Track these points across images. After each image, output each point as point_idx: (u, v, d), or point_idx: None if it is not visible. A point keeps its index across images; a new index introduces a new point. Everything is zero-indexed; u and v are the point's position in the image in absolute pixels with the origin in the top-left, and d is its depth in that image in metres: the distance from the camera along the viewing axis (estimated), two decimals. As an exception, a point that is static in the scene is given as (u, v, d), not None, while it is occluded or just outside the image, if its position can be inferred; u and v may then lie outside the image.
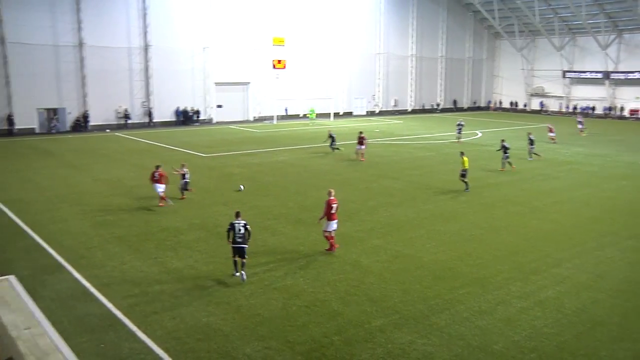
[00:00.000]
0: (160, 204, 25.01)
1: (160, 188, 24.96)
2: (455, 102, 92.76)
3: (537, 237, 21.06)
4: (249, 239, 16.62)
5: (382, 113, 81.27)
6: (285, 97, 70.71)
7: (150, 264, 17.79)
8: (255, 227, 20.67)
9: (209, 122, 64.71)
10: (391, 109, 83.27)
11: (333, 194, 18.99)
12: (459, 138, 48.13)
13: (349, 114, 78.61)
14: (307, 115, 67.49)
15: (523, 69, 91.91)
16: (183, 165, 27.45)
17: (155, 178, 25.03)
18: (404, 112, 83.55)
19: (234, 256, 16.67)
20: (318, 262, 18.04)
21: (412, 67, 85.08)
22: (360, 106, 79.61)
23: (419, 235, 21.01)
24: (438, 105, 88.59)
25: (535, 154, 39.11)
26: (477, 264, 17.99)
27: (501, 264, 18.05)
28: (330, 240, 18.73)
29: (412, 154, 41.02)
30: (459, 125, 49.51)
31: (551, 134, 48.25)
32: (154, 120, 62.44)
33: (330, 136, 41.17)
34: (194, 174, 31.37)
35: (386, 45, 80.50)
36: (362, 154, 37.29)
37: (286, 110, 71.37)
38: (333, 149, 40.57)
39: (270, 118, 68.40)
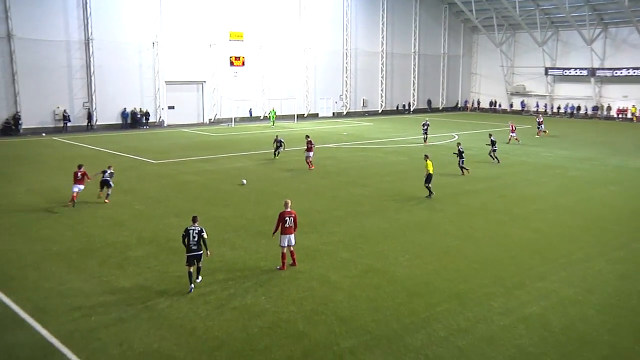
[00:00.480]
0: (69, 203, 26.72)
1: (77, 188, 26.89)
2: (429, 102, 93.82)
3: (519, 248, 21.27)
4: (205, 247, 17.03)
5: (350, 114, 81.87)
6: (244, 98, 71.25)
7: (94, 284, 17.62)
8: (213, 240, 20.51)
9: (159, 125, 64.70)
10: (360, 110, 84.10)
11: (289, 205, 19.01)
12: (425, 140, 49.28)
13: (314, 116, 79.33)
14: (268, 117, 68.11)
15: (502, 66, 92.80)
16: (110, 167, 29.03)
17: (77, 178, 26.93)
18: (374, 113, 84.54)
19: (188, 266, 16.96)
20: (281, 278, 18.08)
21: (383, 64, 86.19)
22: (326, 107, 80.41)
23: (391, 248, 21.13)
24: (409, 105, 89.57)
25: (496, 157, 39.94)
26: (455, 278, 18.13)
27: (481, 278, 18.19)
28: (282, 259, 18.77)
29: (383, 158, 41.42)
30: (424, 125, 50.58)
31: (512, 134, 49.78)
32: (98, 123, 62.17)
33: (277, 141, 41.01)
34: (141, 182, 31.98)
35: (354, 40, 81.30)
36: (310, 162, 37.35)
37: (250, 111, 71.98)
38: (276, 155, 40.75)
39: (228, 121, 68.69)
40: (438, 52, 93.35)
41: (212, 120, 69.39)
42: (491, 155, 39.59)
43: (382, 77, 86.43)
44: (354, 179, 33.80)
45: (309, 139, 38.06)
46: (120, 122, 62.76)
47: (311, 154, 37.39)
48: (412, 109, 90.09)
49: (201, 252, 17.09)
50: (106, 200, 27.92)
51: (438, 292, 17.04)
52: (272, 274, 18.46)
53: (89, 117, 61.18)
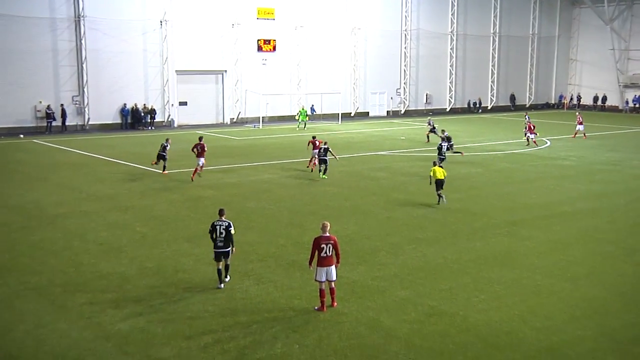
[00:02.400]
0: (192, 177, 36.74)
1: (201, 161, 37.22)
2: (513, 97, 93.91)
3: (636, 290, 20.95)
4: (232, 244, 19.81)
5: (409, 113, 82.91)
6: (274, 92, 71.99)
7: (82, 326, 17.60)
8: (234, 272, 20.91)
9: (168, 125, 66.08)
10: (423, 108, 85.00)
11: (328, 228, 19.00)
12: (428, 139, 52.14)
13: (364, 115, 79.76)
14: (296, 118, 68.93)
15: (613, 49, 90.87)
16: (167, 140, 38.07)
17: (198, 151, 36.92)
18: (440, 112, 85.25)
19: (217, 262, 19.84)
20: (320, 322, 18.09)
21: (452, 49, 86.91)
22: (379, 104, 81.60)
23: (461, 285, 21.12)
24: (479, 102, 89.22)
25: (456, 152, 43.19)
26: (546, 327, 17.95)
27: (582, 328, 17.97)
28: (321, 298, 18.82)
29: (451, 170, 41.28)
30: (431, 124, 54.61)
31: (580, 127, 53.20)
32: (90, 123, 63.10)
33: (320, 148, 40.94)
34: (145, 197, 32.67)
35: (416, 19, 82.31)
36: (314, 163, 39.59)
37: (307, 110, 70.83)
38: (322, 172, 40.57)
39: (255, 121, 69.44)
40: (525, 32, 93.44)
41: (234, 120, 70.60)
42: (441, 157, 40.78)
43: (451, 65, 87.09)
44: (414, 195, 34.15)
45: (317, 140, 40.34)
46: (118, 121, 64.01)
47: (317, 153, 39.36)
48: (489, 106, 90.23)
49: (229, 248, 19.81)
50: (164, 172, 37.94)
51: (524, 345, 16.84)
52: (308, 316, 18.48)
53: (83, 114, 62.17)
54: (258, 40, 71.05)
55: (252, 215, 29.77)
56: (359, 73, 79.18)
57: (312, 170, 39.82)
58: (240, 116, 71.27)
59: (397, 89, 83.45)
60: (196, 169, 37.43)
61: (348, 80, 78.66)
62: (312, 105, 75.17)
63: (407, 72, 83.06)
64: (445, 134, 41.98)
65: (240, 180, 38.21)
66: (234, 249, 20.12)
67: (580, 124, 54.36)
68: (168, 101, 66.76)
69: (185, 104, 68.07)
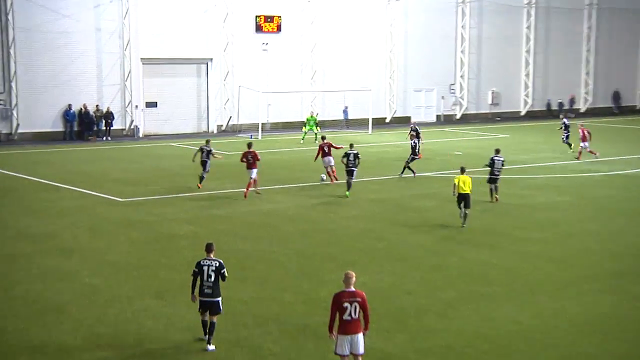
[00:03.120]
0: (246, 193, 41.07)
1: (254, 174, 41.20)
2: (617, 96, 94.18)
3: None
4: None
5: (467, 119, 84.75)
6: (278, 89, 73.34)
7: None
8: (221, 341, 20.89)
9: (131, 135, 68.29)
10: (487, 112, 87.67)
11: (353, 281, 18.77)
12: (415, 155, 51.47)
13: (404, 121, 78.12)
14: (303, 128, 68.92)
15: None
16: (208, 142, 43.65)
17: (249, 161, 41.43)
18: (512, 117, 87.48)
19: (202, 313, 20.37)
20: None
21: (529, 27, 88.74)
22: (425, 106, 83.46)
23: (545, 363, 20.59)
24: (568, 104, 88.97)
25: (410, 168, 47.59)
26: None
27: None
28: None
29: (527, 199, 42.42)
30: (565, 126, 58.67)
31: (583, 144, 55.63)
32: (21, 131, 64.44)
33: (349, 155, 43.10)
34: (96, 235, 33.22)
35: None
36: (334, 172, 43.75)
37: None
38: (347, 190, 43.71)
39: (252, 129, 70.68)
40: (636, 3, 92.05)
41: (223, 129, 72.62)
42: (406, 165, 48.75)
43: (527, 51, 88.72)
44: (473, 234, 34.42)
45: (327, 143, 44.20)
46: (60, 129, 65.73)
47: (332, 160, 42.94)
48: (582, 108, 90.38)
49: (219, 298, 20.20)
50: (199, 185, 43.39)
51: None
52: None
53: (11, 119, 63.07)
54: (257, 17, 72.86)
55: (247, 260, 29.90)
56: (397, 62, 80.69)
57: (324, 178, 44.05)
58: (231, 122, 73.07)
59: (451, 84, 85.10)
60: (249, 184, 41.32)
61: (382, 73, 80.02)
62: (346, 108, 76.57)
63: (464, 60, 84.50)
64: (499, 155, 43.05)
65: (230, 211, 38.86)
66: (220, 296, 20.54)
67: (584, 140, 56.04)
68: (130, 102, 68.37)
69: (154, 105, 70.01)
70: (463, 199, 34.62)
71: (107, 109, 67.43)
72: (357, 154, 42.15)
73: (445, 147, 63.76)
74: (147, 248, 31.75)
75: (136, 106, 69.06)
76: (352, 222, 36.63)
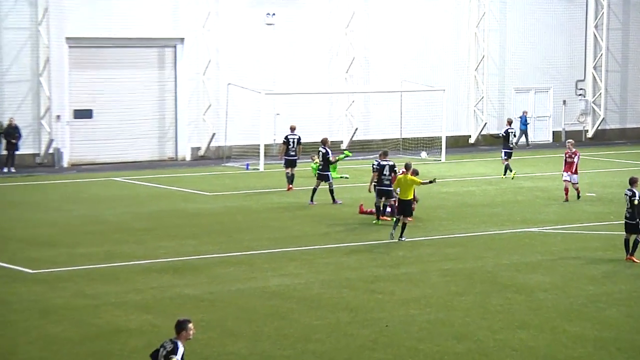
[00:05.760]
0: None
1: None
2: None
3: None
4: None
5: (605, 137, 74.46)
6: (293, 88, 63.59)
7: None
8: None
9: (50, 165, 59.10)
10: (634, 126, 76.39)
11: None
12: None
13: (499, 142, 62.35)
14: (313, 162, 56.27)
15: None
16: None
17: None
18: None
19: None
20: None
21: None
22: (535, 117, 71.43)
23: None
24: None
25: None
26: None
27: None
28: None
29: None
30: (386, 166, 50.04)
31: (568, 176, 49.38)
32: None
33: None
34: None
35: None
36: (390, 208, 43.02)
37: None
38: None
39: (249, 155, 60.61)
40: None
41: (202, 154, 62.42)
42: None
43: None
44: (620, 331, 27.60)
45: (390, 163, 41.89)
46: None
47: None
48: None
49: None
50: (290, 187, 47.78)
51: None
52: None
53: None
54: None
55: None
56: (488, 44, 67.35)
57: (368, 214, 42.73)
58: (214, 144, 61.45)
59: (578, 82, 70.87)
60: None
61: (461, 64, 67.70)
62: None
63: (600, 40, 70.91)
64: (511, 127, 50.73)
65: (213, 290, 32.11)
66: None
67: (571, 170, 48.46)
68: (49, 109, 57.05)
69: (87, 115, 58.82)
70: (405, 207, 36.92)
71: (9, 121, 55.94)
72: (394, 165, 41.00)
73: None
74: (75, 354, 25.39)
75: (58, 117, 57.15)
76: (415, 309, 29.57)
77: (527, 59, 70.24)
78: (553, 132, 72.23)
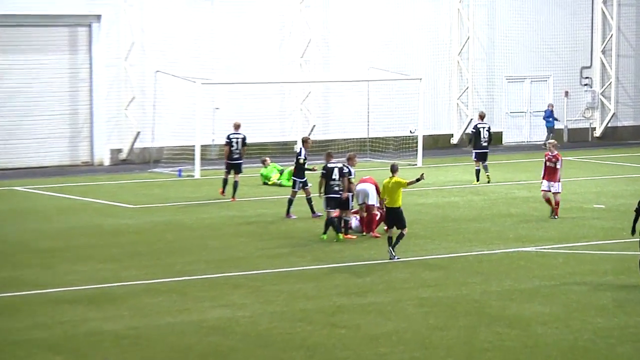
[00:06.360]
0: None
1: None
2: None
3: None
4: None
5: (616, 136, 68.91)
6: (233, 77, 59.90)
7: None
8: None
9: None
10: None
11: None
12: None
13: (496, 144, 62.05)
14: (261, 172, 52.79)
15: None
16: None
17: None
18: None
19: None
20: None
21: None
22: (529, 112, 66.08)
23: None
24: None
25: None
26: None
27: None
28: None
29: None
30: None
31: (548, 185, 42.98)
32: None
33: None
34: None
35: None
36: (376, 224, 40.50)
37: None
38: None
39: (182, 159, 55.81)
40: None
41: (124, 157, 57.49)
42: None
43: None
44: None
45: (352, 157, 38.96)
46: None
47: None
48: None
49: None
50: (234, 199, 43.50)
51: None
52: None
53: None
54: None
55: None
56: (474, 26, 62.04)
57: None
58: (138, 145, 56.24)
59: (584, 68, 65.79)
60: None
61: (441, 47, 62.76)
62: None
63: (610, 19, 65.54)
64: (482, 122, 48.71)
65: (138, 324, 27.28)
66: None
67: (554, 179, 41.27)
68: None
69: None
70: (395, 217, 31.81)
71: None
72: (342, 168, 36.56)
73: (575, 195, 48.44)
74: None
75: None
76: (385, 347, 24.21)
77: (522, 41, 65.28)
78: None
